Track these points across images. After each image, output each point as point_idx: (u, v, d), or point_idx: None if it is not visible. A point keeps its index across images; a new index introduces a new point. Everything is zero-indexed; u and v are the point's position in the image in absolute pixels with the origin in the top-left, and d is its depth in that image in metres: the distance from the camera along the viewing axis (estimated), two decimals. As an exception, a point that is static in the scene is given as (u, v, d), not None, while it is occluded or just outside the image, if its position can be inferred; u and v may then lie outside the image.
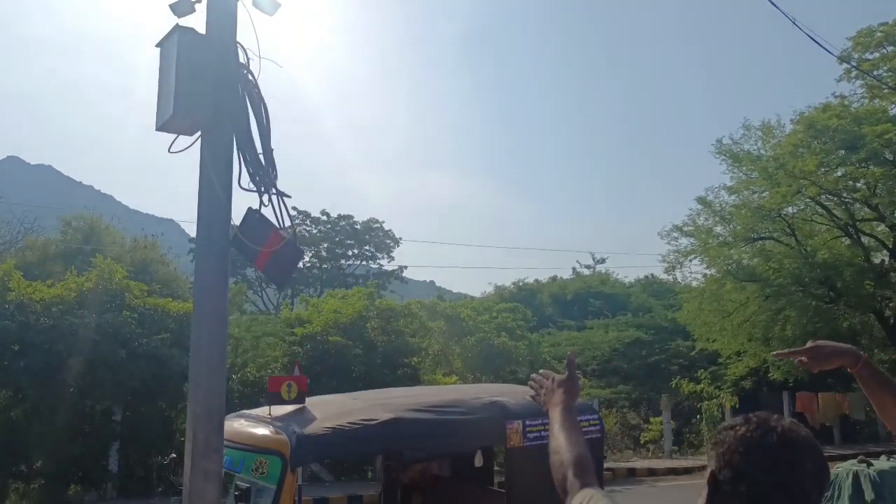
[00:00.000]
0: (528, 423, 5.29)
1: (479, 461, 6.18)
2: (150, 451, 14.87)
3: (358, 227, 47.32)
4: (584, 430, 5.55)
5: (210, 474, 3.17)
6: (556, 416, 1.95)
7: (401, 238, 48.59)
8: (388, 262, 48.16)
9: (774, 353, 2.29)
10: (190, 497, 3.16)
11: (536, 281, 49.08)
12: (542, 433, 5.35)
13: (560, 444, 1.85)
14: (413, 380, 17.09)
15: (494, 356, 19.49)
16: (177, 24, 3.39)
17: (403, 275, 48.08)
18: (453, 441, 5.40)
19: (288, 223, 3.48)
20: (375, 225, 47.64)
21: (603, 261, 56.00)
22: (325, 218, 47.28)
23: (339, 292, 22.18)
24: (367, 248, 47.60)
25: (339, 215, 47.76)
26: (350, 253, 47.71)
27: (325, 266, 47.11)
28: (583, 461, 1.78)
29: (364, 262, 48.09)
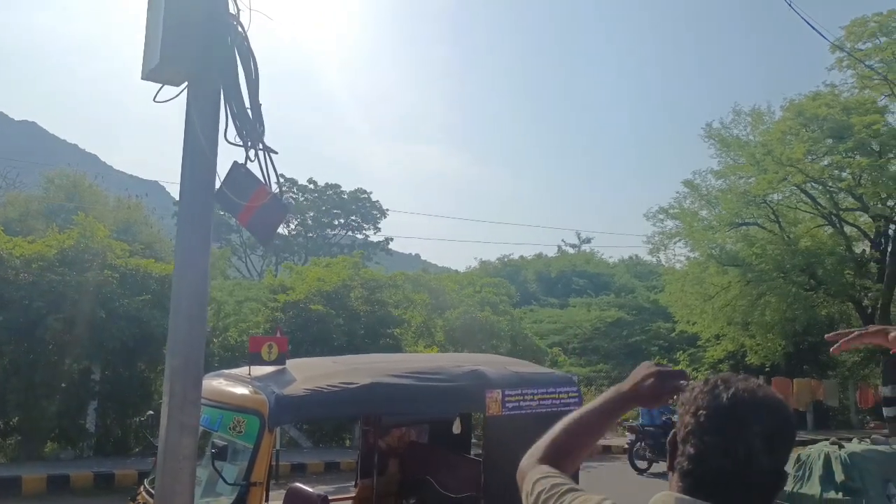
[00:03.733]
0: (507, 392, 5.33)
1: (457, 428, 6.21)
2: (128, 411, 14.85)
3: (345, 196, 47.16)
4: (563, 401, 5.62)
5: (186, 428, 3.15)
6: (606, 393, 1.73)
7: (387, 209, 48.53)
8: (375, 233, 48.12)
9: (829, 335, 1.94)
10: (166, 450, 3.14)
11: (521, 257, 49.30)
12: (521, 403, 5.40)
13: (583, 410, 1.71)
14: (395, 350, 17.11)
15: (476, 330, 19.55)
16: (166, -30, 3.31)
17: (389, 247, 48.07)
18: (432, 407, 5.42)
19: (274, 179, 3.44)
20: (363, 195, 47.49)
21: (588, 240, 56.24)
22: (312, 186, 47.06)
23: (323, 260, 22.14)
24: (353, 218, 47.49)
25: (327, 184, 47.57)
26: (336, 223, 47.60)
27: (310, 235, 46.97)
28: (560, 446, 1.67)
29: (350, 233, 48.00)
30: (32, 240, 15.26)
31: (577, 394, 5.75)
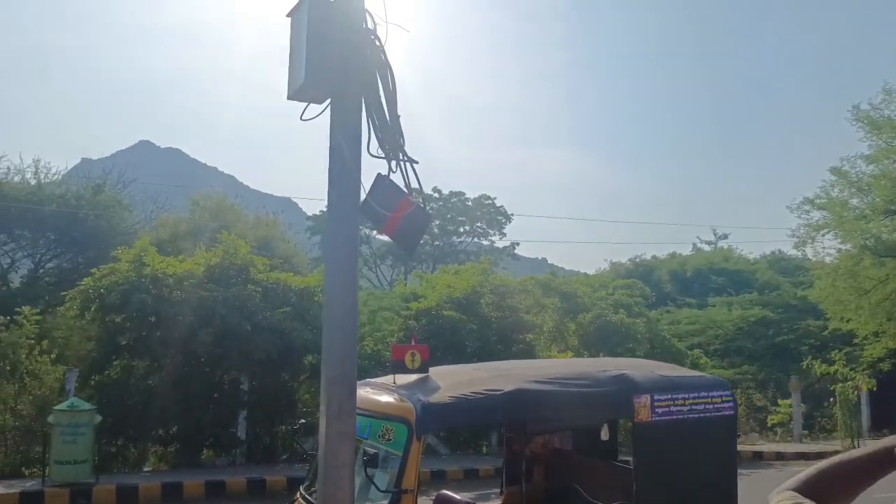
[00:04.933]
0: (656, 397, 5.13)
1: (605, 435, 6.06)
2: (275, 419, 15.49)
3: (469, 203, 47.47)
4: (716, 406, 5.35)
5: (344, 436, 3.21)
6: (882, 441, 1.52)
7: (512, 214, 48.45)
8: (500, 238, 48.14)
9: None
10: (325, 458, 3.21)
11: (654, 257, 47.77)
12: (672, 408, 5.18)
13: (852, 453, 1.54)
14: (528, 356, 16.99)
15: (611, 333, 19.13)
16: (307, -7, 3.40)
17: (515, 251, 47.97)
18: (578, 414, 5.31)
19: (417, 188, 3.46)
20: (487, 201, 47.65)
21: (725, 236, 53.86)
22: (436, 195, 47.68)
23: (451, 268, 22.35)
24: (478, 224, 47.73)
25: (451, 192, 48.04)
26: (462, 230, 47.97)
27: (437, 243, 47.57)
28: (823, 475, 1.49)
29: (476, 239, 48.25)
30: (182, 259, 16.21)
31: (731, 398, 5.47)
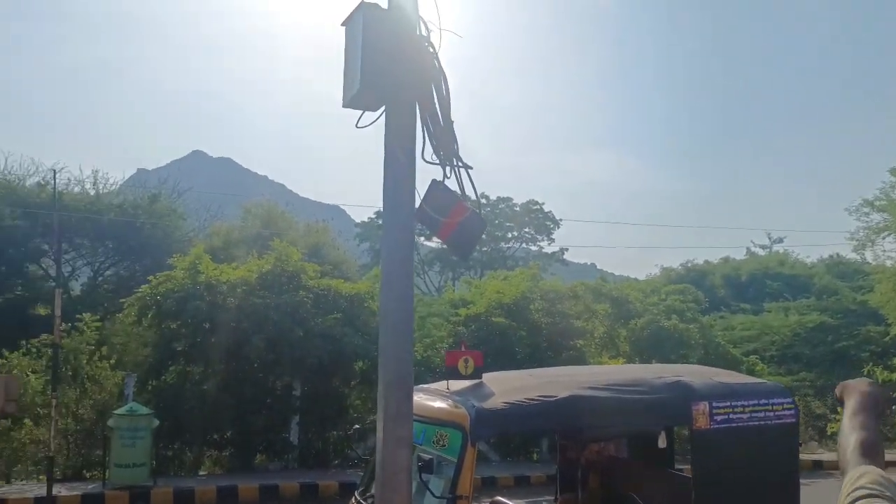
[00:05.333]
0: (714, 404, 5.03)
1: (662, 442, 5.96)
2: (326, 425, 15.62)
3: (517, 208, 47.34)
4: (777, 414, 5.23)
5: (401, 440, 3.22)
6: (849, 404, 1.86)
7: (561, 219, 48.16)
8: (549, 244, 47.87)
9: None
10: (383, 462, 3.23)
11: (706, 262, 46.84)
12: (731, 416, 5.07)
13: (845, 426, 1.79)
14: (579, 362, 16.85)
15: (664, 339, 18.84)
16: (361, 2, 3.44)
17: (564, 257, 47.64)
18: (634, 421, 5.23)
19: (471, 194, 3.46)
20: (535, 206, 47.46)
21: (780, 240, 52.54)
22: (484, 200, 47.64)
23: (500, 273, 22.29)
24: (526, 230, 47.55)
25: (499, 197, 48.00)
26: (510, 235, 47.84)
27: (484, 249, 47.51)
28: (866, 443, 1.68)
29: (524, 245, 48.07)
30: (235, 266, 16.50)
31: (792, 405, 5.32)
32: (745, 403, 5.13)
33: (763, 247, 52.20)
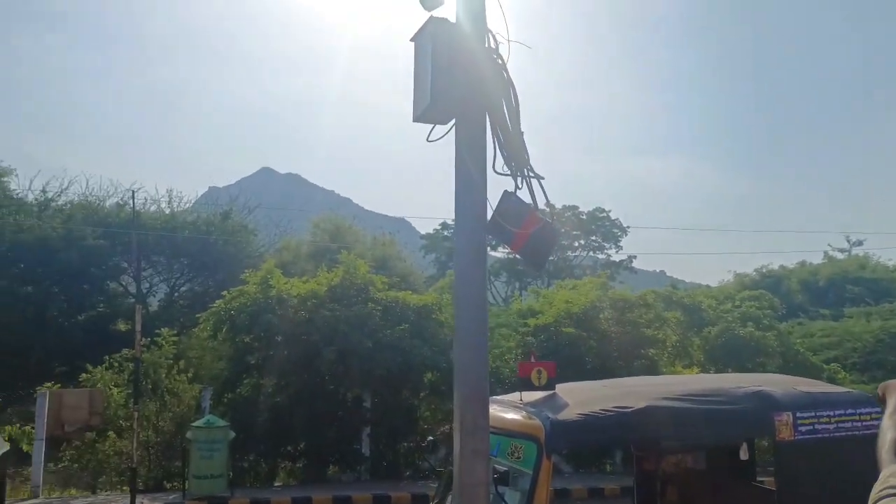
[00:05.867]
0: (798, 415, 4.85)
1: (744, 454, 5.78)
2: (397, 436, 15.70)
3: (584, 217, 46.78)
4: (864, 424, 5.03)
5: (479, 454, 3.22)
6: (890, 402, 1.85)
7: (628, 227, 47.39)
8: (616, 251, 47.16)
9: None
10: (461, 475, 3.22)
11: (782, 267, 45.32)
12: (816, 426, 4.89)
13: (884, 424, 1.78)
14: (651, 372, 16.53)
15: (740, 347, 18.32)
16: (430, 17, 3.47)
17: (632, 265, 46.86)
18: (714, 432, 5.08)
19: (544, 205, 3.44)
20: (601, 214, 46.83)
21: (860, 243, 50.40)
22: (549, 209, 47.27)
23: (568, 283, 22.07)
24: (593, 238, 46.94)
25: (564, 206, 47.50)
26: (576, 244, 47.31)
27: (551, 258, 47.13)
28: None
29: (591, 253, 47.47)
30: (305, 280, 16.79)
31: (880, 415, 5.09)
32: (831, 413, 4.94)
33: (841, 250, 50.29)
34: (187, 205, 29.53)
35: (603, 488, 14.07)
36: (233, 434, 12.79)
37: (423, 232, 50.08)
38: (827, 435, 4.89)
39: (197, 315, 17.23)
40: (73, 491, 13.62)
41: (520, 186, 3.50)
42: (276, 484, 14.94)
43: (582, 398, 4.97)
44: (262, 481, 14.82)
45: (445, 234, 45.47)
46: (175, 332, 17.15)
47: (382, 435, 15.63)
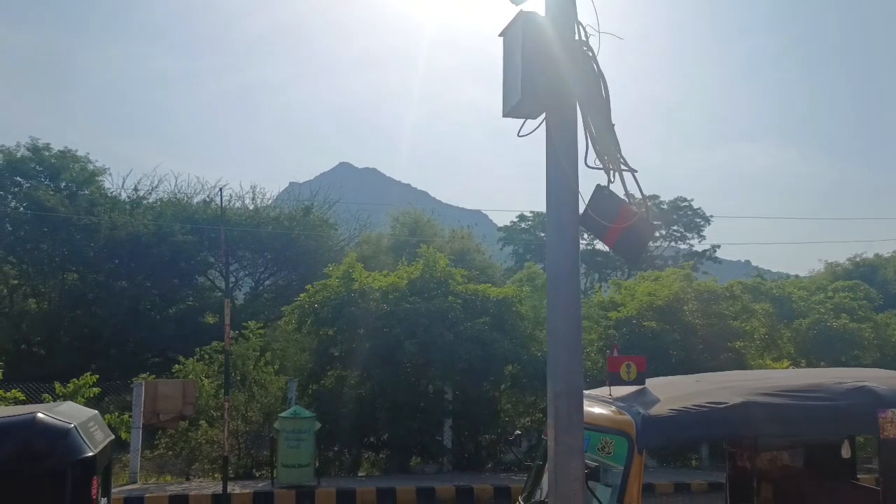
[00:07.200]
0: (904, 412, 4.65)
1: (846, 452, 5.57)
2: (479, 428, 15.74)
3: (665, 206, 45.82)
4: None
5: (573, 449, 3.20)
6: None
7: (711, 216, 46.19)
8: (699, 241, 46.06)
9: None
10: (556, 472, 3.22)
11: (877, 255, 43.31)
12: (924, 424, 4.67)
13: None
14: (738, 365, 16.09)
15: (833, 340, 17.65)
16: (520, 11, 3.45)
17: (716, 255, 45.68)
18: (814, 429, 4.92)
19: (638, 197, 3.39)
20: (683, 203, 45.81)
21: (961, 228, 47.81)
22: (643, 203, 46.44)
23: (651, 274, 21.65)
24: (675, 228, 45.96)
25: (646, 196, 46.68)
26: (658, 234, 46.40)
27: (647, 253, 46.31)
28: None
29: (673, 244, 46.49)
30: (386, 273, 16.98)
31: None
32: (939, 410, 4.71)
33: (942, 237, 47.64)
34: (269, 201, 30.31)
35: (689, 483, 13.78)
36: (318, 425, 13.06)
37: (500, 224, 50.03)
38: (936, 433, 4.67)
39: (281, 308, 17.70)
40: (168, 478, 14.16)
41: (612, 180, 3.45)
42: (361, 474, 15.20)
43: (673, 393, 4.88)
44: (346, 471, 15.10)
45: (522, 225, 45.30)
46: (261, 324, 17.62)
47: (464, 427, 15.70)
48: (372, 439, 15.80)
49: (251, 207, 28.62)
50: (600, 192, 3.42)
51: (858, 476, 5.90)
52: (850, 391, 4.76)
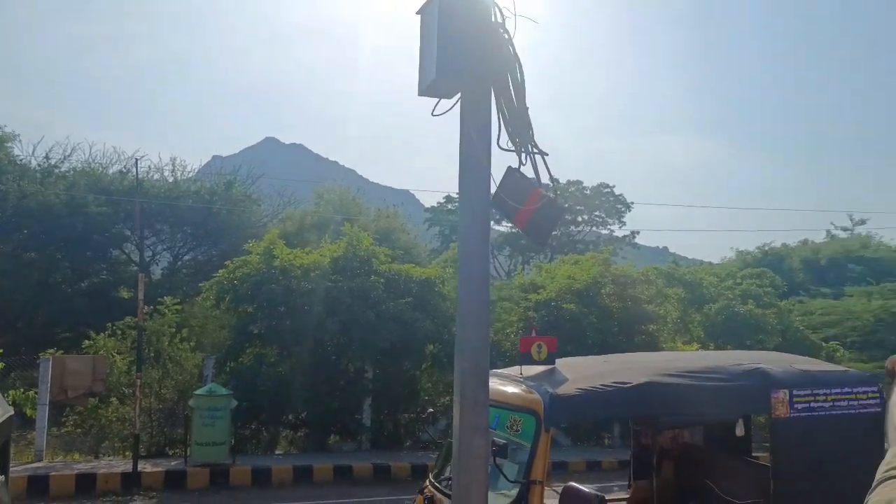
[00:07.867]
0: (795, 392, 4.91)
1: (740, 431, 5.85)
2: (398, 407, 15.84)
3: (588, 192, 46.74)
4: (861, 403, 5.07)
5: (478, 428, 3.26)
6: None
7: (632, 203, 47.35)
8: (620, 227, 47.19)
9: None
10: (460, 449, 3.27)
11: (784, 245, 45.31)
12: (812, 405, 4.95)
13: (892, 400, 1.69)
14: (651, 347, 16.63)
15: (740, 325, 18.40)
16: (437, -11, 3.45)
17: (635, 241, 46.90)
18: (712, 408, 5.14)
19: (547, 181, 3.45)
20: (606, 190, 46.80)
21: (863, 222, 50.28)
22: (553, 186, 47.14)
23: (571, 258, 22.09)
24: (597, 213, 46.95)
25: (568, 181, 47.44)
26: (580, 219, 47.31)
27: (554, 233, 47.11)
28: None
29: (594, 228, 47.49)
30: (309, 251, 16.80)
31: (877, 394, 5.15)
32: (827, 392, 4.99)
33: (844, 229, 50.21)
34: (190, 174, 29.49)
35: (601, 461, 14.22)
36: (235, 402, 12.89)
37: (427, 205, 50.08)
38: (823, 413, 4.95)
39: (200, 284, 17.29)
40: (77, 456, 13.74)
41: (524, 162, 3.50)
42: (278, 452, 15.09)
43: (582, 373, 5.02)
44: (263, 449, 14.97)
45: (449, 207, 45.46)
46: (178, 300, 17.19)
47: (383, 406, 15.76)
48: (290, 417, 15.68)
49: (171, 180, 27.79)
50: (511, 174, 3.46)
51: (755, 454, 6.19)
52: (745, 373, 4.99)
